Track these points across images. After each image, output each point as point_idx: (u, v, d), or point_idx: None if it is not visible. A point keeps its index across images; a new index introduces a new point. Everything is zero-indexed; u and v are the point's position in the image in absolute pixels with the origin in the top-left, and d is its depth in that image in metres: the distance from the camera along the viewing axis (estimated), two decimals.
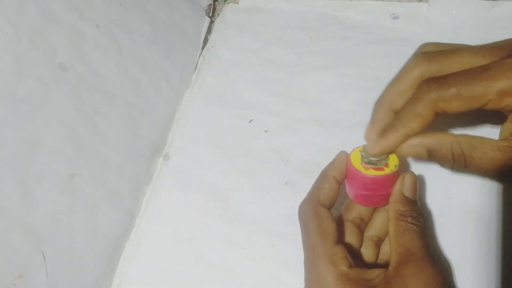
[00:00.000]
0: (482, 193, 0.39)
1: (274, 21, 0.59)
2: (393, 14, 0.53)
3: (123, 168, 0.47)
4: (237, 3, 0.62)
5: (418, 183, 0.35)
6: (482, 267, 0.37)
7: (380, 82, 0.49)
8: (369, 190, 0.34)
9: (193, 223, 0.47)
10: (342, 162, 0.36)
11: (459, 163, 0.31)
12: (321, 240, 0.32)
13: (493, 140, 0.31)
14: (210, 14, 0.62)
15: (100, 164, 0.45)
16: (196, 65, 0.58)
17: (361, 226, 0.37)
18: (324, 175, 0.36)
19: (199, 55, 0.59)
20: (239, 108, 0.53)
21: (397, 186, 0.34)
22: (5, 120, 0.37)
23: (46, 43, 0.41)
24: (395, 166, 0.34)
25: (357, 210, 0.37)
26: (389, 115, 0.35)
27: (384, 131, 0.33)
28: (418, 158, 0.33)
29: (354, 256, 0.34)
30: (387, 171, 0.34)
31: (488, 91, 0.29)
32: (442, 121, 0.34)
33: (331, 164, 0.37)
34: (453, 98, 0.30)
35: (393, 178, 0.34)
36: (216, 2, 0.63)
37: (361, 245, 0.37)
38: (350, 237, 0.36)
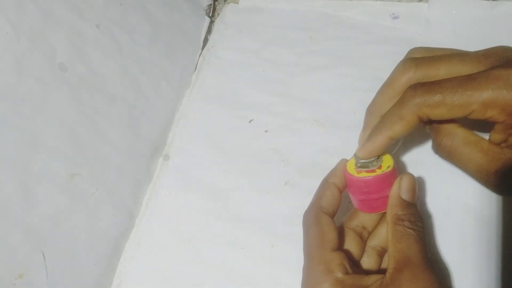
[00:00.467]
0: (482, 193, 0.39)
1: (274, 21, 0.59)
2: (393, 14, 0.53)
3: (123, 168, 0.47)
4: (237, 3, 0.62)
5: (417, 185, 0.34)
6: (482, 267, 0.37)
7: (380, 82, 0.49)
8: (364, 194, 0.34)
9: (193, 223, 0.47)
10: (342, 169, 0.36)
11: (444, 151, 0.33)
12: (319, 247, 0.32)
13: (485, 141, 0.32)
14: (210, 14, 0.62)
15: (100, 164, 0.45)
16: (196, 65, 0.58)
17: (363, 235, 0.36)
18: (325, 183, 0.36)
19: (199, 55, 0.59)
20: (239, 108, 0.53)
21: (394, 189, 0.34)
22: (5, 120, 0.37)
23: (46, 43, 0.41)
24: (388, 167, 0.34)
25: (359, 219, 0.37)
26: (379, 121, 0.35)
27: (370, 134, 0.34)
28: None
29: (354, 263, 0.34)
30: (378, 172, 0.34)
31: (472, 101, 0.29)
32: None
33: (331, 172, 0.37)
34: (438, 105, 0.30)
35: (387, 179, 0.34)
36: (216, 2, 0.63)
37: (362, 253, 0.36)
38: (351, 245, 0.36)
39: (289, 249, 0.43)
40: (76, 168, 0.43)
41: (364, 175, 0.34)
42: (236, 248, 0.45)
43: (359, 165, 0.35)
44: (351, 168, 0.35)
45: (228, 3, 0.62)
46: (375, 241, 0.36)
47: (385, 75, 0.49)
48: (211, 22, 0.62)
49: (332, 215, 0.35)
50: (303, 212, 0.36)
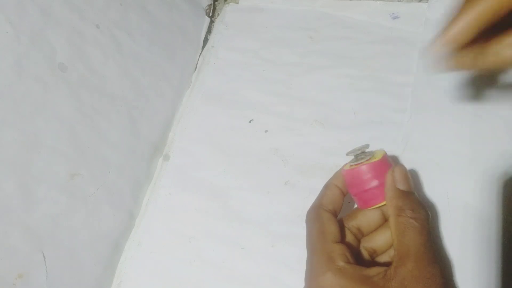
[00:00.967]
0: (482, 193, 0.39)
1: (274, 21, 0.59)
2: (393, 14, 0.53)
3: (123, 168, 0.47)
4: (237, 3, 0.62)
5: (417, 183, 0.34)
6: (482, 266, 0.37)
7: (380, 82, 0.49)
8: (356, 186, 0.35)
9: (193, 223, 0.47)
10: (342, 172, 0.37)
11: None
12: (320, 239, 0.33)
13: None
14: (210, 14, 0.62)
15: (100, 164, 0.45)
16: (196, 65, 0.58)
17: (358, 236, 0.37)
18: (326, 185, 0.37)
19: (199, 55, 0.59)
20: (239, 108, 0.53)
21: (388, 182, 0.34)
22: (5, 120, 0.37)
23: (46, 43, 0.41)
24: (374, 158, 0.35)
25: (356, 220, 0.37)
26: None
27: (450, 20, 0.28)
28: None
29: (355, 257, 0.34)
30: (364, 162, 0.34)
31: None
32: None
33: (334, 175, 0.38)
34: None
35: (376, 168, 0.34)
36: (216, 2, 0.63)
37: (357, 252, 0.36)
38: (349, 240, 0.36)
39: (289, 249, 0.43)
40: (76, 168, 0.43)
41: (353, 167, 0.35)
42: (236, 248, 0.45)
43: (350, 160, 0.36)
44: (347, 167, 0.36)
45: (228, 3, 0.62)
46: (369, 244, 0.36)
47: (385, 75, 0.49)
48: (211, 22, 0.62)
49: (333, 213, 0.35)
50: (304, 212, 0.36)
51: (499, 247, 0.37)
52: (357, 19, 0.55)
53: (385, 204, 0.34)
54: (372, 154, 0.36)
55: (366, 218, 0.36)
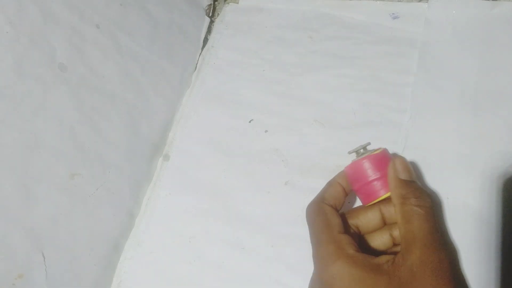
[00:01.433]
0: (482, 193, 0.39)
1: (274, 21, 0.59)
2: (393, 14, 0.53)
3: (123, 168, 0.47)
4: (237, 3, 0.62)
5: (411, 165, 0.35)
6: (481, 266, 0.37)
7: (380, 81, 0.49)
8: (358, 180, 0.35)
9: (193, 223, 0.47)
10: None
11: None
12: (326, 230, 0.33)
13: None
14: (210, 14, 0.62)
15: (100, 164, 0.45)
16: (196, 65, 0.58)
17: (355, 236, 0.36)
18: (329, 182, 0.38)
19: (199, 55, 0.59)
20: (239, 108, 0.53)
21: (390, 173, 0.34)
22: (5, 120, 0.37)
23: (46, 43, 0.41)
24: (374, 151, 0.36)
25: (356, 220, 0.37)
26: None
27: None
28: None
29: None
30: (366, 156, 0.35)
31: None
32: None
33: (337, 174, 0.38)
34: None
35: (378, 161, 0.35)
36: (216, 2, 0.63)
37: None
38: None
39: (289, 249, 0.43)
40: (76, 168, 0.43)
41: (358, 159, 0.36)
42: (236, 248, 0.45)
43: (355, 156, 0.37)
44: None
45: (228, 3, 0.62)
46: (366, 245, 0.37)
47: (385, 75, 0.49)
48: (211, 22, 0.62)
49: (335, 208, 0.36)
50: (304, 212, 0.36)
51: (499, 247, 0.37)
52: (357, 19, 0.55)
53: (388, 196, 0.34)
54: (373, 151, 0.36)
55: (367, 219, 0.36)
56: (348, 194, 0.37)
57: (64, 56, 0.43)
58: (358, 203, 0.40)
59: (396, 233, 0.36)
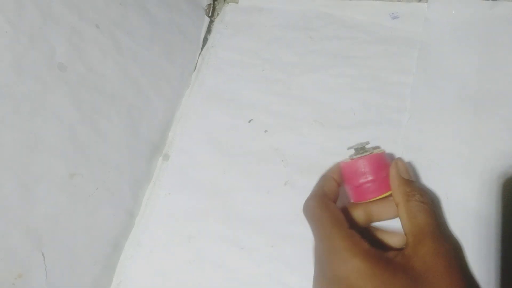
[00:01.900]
0: (482, 193, 0.39)
1: (274, 20, 0.59)
2: (392, 14, 0.53)
3: (123, 168, 0.47)
4: (237, 2, 0.62)
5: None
6: (481, 267, 0.37)
7: (380, 81, 0.49)
8: (361, 177, 0.36)
9: (193, 222, 0.47)
10: (338, 166, 0.39)
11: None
12: (337, 226, 0.33)
13: None
14: (210, 14, 0.62)
15: (99, 164, 0.45)
16: (196, 64, 0.58)
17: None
18: (325, 176, 0.38)
19: (199, 55, 0.59)
20: (239, 108, 0.53)
21: (393, 172, 0.36)
22: (5, 119, 0.37)
23: (46, 43, 0.41)
24: (377, 150, 0.37)
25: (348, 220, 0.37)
26: None
27: None
28: None
29: None
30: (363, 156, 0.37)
31: None
32: None
33: (330, 168, 0.39)
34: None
35: (381, 161, 0.36)
36: (215, 2, 0.63)
37: None
38: None
39: (289, 249, 0.43)
40: (76, 167, 0.43)
41: (353, 159, 0.37)
42: (235, 248, 0.45)
43: (353, 152, 0.38)
44: (346, 161, 0.38)
45: (228, 2, 0.62)
46: None
47: (384, 74, 0.49)
48: (211, 21, 0.62)
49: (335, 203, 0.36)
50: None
51: (499, 247, 0.37)
52: (357, 18, 0.55)
53: (380, 198, 0.36)
54: (371, 150, 0.37)
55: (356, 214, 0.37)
56: (340, 185, 0.38)
57: (63, 55, 0.42)
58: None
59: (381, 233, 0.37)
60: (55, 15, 0.42)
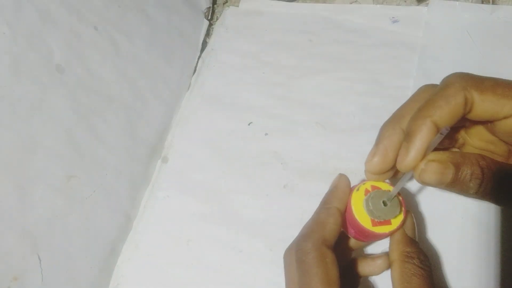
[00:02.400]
0: None
1: (274, 24, 0.59)
2: (393, 17, 0.53)
3: (121, 170, 0.47)
4: (237, 6, 0.62)
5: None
6: (481, 270, 0.36)
7: (380, 85, 0.49)
8: (361, 234, 0.32)
9: (191, 225, 0.47)
10: (345, 191, 0.32)
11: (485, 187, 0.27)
12: None
13: None
14: (209, 17, 0.62)
15: (97, 166, 0.45)
16: (196, 67, 0.58)
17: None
18: (327, 207, 0.31)
19: (199, 58, 0.59)
20: (239, 111, 0.53)
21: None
22: (2, 121, 0.37)
23: (44, 44, 0.41)
24: (394, 218, 0.30)
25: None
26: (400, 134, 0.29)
27: (407, 128, 0.27)
28: (441, 181, 0.27)
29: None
30: (394, 225, 0.30)
31: None
32: None
33: (333, 193, 0.32)
34: (487, 91, 0.25)
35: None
36: (215, 5, 0.63)
37: None
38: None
39: None
40: (73, 170, 0.43)
41: (380, 230, 0.30)
42: (234, 251, 0.44)
43: (375, 215, 0.30)
44: (359, 209, 0.30)
45: (229, 6, 0.62)
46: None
47: (384, 78, 0.49)
48: (210, 25, 0.62)
49: (333, 248, 0.30)
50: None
51: (498, 250, 0.37)
52: (357, 22, 0.55)
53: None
54: (390, 203, 0.30)
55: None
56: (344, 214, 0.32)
57: (61, 57, 0.42)
58: None
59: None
60: (54, 17, 0.42)
